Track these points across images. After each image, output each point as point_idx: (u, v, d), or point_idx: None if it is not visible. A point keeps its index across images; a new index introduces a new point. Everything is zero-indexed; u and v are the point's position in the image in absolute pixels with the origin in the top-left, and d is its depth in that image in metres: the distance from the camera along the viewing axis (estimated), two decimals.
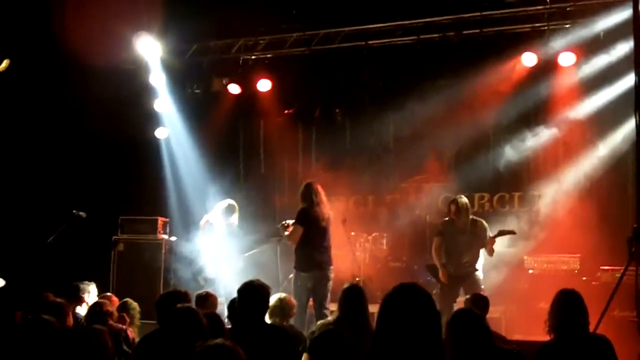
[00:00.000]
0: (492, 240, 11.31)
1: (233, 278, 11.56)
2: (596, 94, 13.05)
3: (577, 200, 12.95)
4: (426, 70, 14.23)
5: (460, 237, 11.51)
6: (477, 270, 11.43)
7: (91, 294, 9.92)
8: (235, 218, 12.72)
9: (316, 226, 11.34)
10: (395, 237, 14.42)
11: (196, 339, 4.99)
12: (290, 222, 11.61)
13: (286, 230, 11.66)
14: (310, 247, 11.30)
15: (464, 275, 11.36)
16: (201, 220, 12.93)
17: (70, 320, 7.59)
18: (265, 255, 13.25)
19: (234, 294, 7.12)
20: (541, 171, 13.81)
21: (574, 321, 6.60)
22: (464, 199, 11.75)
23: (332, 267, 11.42)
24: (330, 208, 11.82)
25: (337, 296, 8.10)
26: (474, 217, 11.67)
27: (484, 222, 11.60)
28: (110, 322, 8.43)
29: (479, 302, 8.35)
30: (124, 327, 8.69)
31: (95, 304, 8.76)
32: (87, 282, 10.01)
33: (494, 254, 11.44)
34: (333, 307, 8.25)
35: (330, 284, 11.31)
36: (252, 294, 6.77)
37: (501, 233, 11.48)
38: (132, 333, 8.69)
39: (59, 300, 7.82)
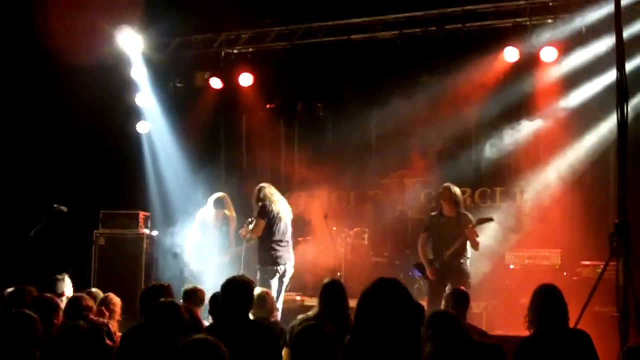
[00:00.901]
0: (472, 229, 11.25)
1: (219, 273, 11.68)
2: (578, 89, 13.07)
3: (559, 196, 12.97)
4: (409, 65, 14.20)
5: (446, 229, 11.44)
6: (463, 263, 11.36)
7: (68, 286, 9.82)
8: (228, 211, 12.92)
9: (277, 221, 11.81)
10: (377, 233, 14.41)
11: (178, 334, 4.99)
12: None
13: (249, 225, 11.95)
14: (273, 242, 11.75)
15: (451, 269, 11.25)
16: (197, 214, 13.01)
17: (61, 316, 7.54)
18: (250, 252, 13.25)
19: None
20: (523, 166, 13.82)
21: (553, 316, 6.61)
22: (457, 189, 11.75)
23: (293, 263, 11.92)
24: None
25: (318, 291, 8.12)
26: (461, 211, 11.65)
27: (469, 215, 11.58)
28: (91, 316, 8.36)
29: (459, 297, 8.34)
30: (105, 321, 8.64)
31: (74, 298, 8.63)
32: (60, 274, 9.84)
33: (479, 247, 11.43)
34: (313, 302, 8.22)
35: (289, 278, 11.90)
36: (235, 289, 6.71)
37: (480, 221, 11.42)
38: (114, 327, 8.64)
39: (48, 295, 7.74)
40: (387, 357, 4.08)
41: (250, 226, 11.92)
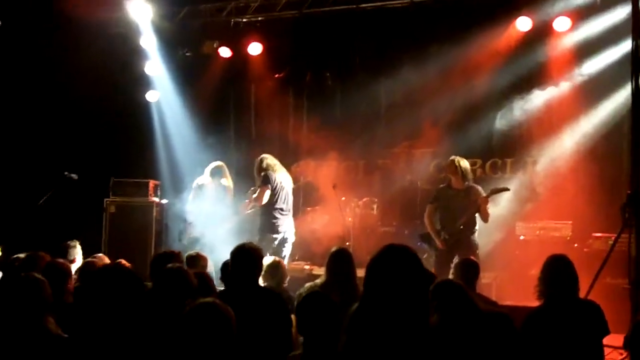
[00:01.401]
0: (486, 199, 11.18)
1: (220, 241, 11.83)
2: (592, 59, 12.96)
3: (571, 167, 12.87)
4: (419, 35, 14.12)
5: (455, 201, 11.37)
6: (472, 234, 11.31)
7: (79, 253, 9.81)
8: (226, 180, 12.91)
9: (279, 191, 12.10)
10: (385, 203, 14.38)
11: (185, 298, 4.98)
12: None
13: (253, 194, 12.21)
14: (275, 210, 12.03)
15: (459, 241, 11.18)
16: (193, 183, 12.99)
17: (72, 282, 7.53)
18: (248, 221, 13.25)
19: (220, 257, 7.12)
20: (534, 137, 13.70)
21: (564, 286, 6.59)
22: (465, 162, 11.68)
23: (294, 231, 12.27)
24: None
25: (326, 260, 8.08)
26: (470, 183, 11.58)
27: (479, 187, 11.50)
28: None
29: (468, 267, 8.27)
30: None
31: (87, 263, 8.63)
32: (72, 241, 9.83)
33: (489, 219, 11.36)
34: (322, 271, 8.19)
35: (291, 246, 12.22)
36: (244, 256, 6.74)
37: (494, 191, 11.38)
38: None
39: (61, 261, 7.71)
40: (395, 324, 4.03)
41: (254, 195, 12.13)
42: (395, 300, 4.04)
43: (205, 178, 12.90)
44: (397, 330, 4.02)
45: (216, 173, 12.85)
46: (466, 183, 11.46)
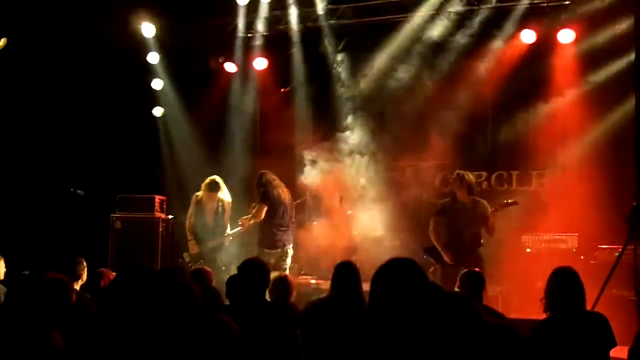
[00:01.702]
0: (495, 213, 11.22)
1: (224, 256, 12.26)
2: (596, 70, 12.98)
3: (576, 179, 12.85)
4: (424, 47, 14.14)
5: (461, 215, 11.35)
6: (478, 247, 11.31)
7: (85, 270, 9.80)
8: (224, 194, 12.85)
9: (277, 206, 12.46)
10: (392, 216, 14.34)
11: (191, 314, 4.97)
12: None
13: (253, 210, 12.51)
14: (273, 225, 12.42)
15: (466, 255, 11.10)
16: (191, 198, 13.00)
17: (74, 297, 7.52)
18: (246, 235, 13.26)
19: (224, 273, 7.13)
20: (540, 149, 13.70)
21: (570, 298, 6.56)
22: (471, 175, 11.68)
23: (292, 246, 12.63)
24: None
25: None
26: (476, 198, 11.56)
27: (485, 202, 11.50)
28: None
29: (474, 279, 8.26)
30: None
31: (97, 273, 8.62)
32: (79, 258, 9.84)
33: (494, 233, 11.35)
34: (328, 285, 8.14)
35: (290, 261, 12.56)
36: (252, 270, 6.77)
37: (503, 205, 11.39)
38: None
39: (60, 277, 7.72)
40: (402, 335, 4.04)
41: (254, 210, 12.42)
42: (401, 312, 4.05)
43: (203, 193, 12.83)
44: (403, 342, 4.03)
45: (213, 187, 12.76)
46: (472, 197, 11.47)
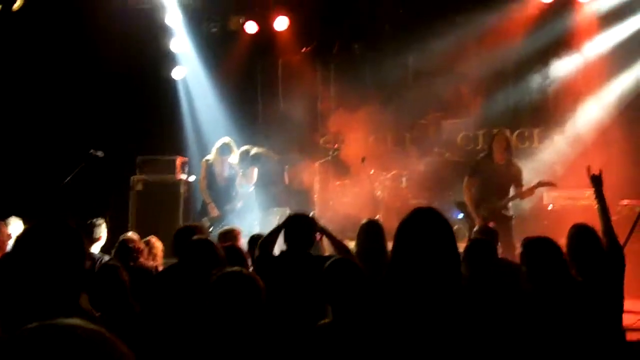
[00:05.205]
0: (531, 191, 10.99)
1: (234, 219, 12.01)
2: (615, 28, 12.93)
3: (597, 135, 12.83)
4: (446, 5, 14.11)
5: (495, 176, 11.07)
6: (511, 218, 11.12)
7: (104, 231, 9.72)
8: (234, 157, 12.74)
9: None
10: (414, 175, 14.33)
11: (213, 269, 4.98)
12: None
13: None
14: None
15: (496, 216, 10.89)
16: (202, 162, 13.00)
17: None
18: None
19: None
20: (561, 106, 13.68)
21: (587, 257, 6.51)
22: (509, 134, 11.56)
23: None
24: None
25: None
26: (511, 158, 11.26)
27: (519, 166, 11.28)
28: (141, 260, 8.32)
29: (487, 233, 8.32)
30: (155, 264, 8.61)
31: (126, 240, 8.49)
32: (98, 219, 9.67)
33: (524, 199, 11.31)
34: (352, 245, 8.15)
35: None
36: (297, 225, 6.96)
37: (540, 184, 11.10)
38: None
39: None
40: (428, 280, 4.07)
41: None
42: (424, 261, 4.09)
43: (213, 156, 12.80)
44: (430, 287, 4.07)
45: (224, 150, 12.71)
46: (509, 157, 11.18)
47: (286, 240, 6.89)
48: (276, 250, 7.19)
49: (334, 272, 5.17)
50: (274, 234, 7.09)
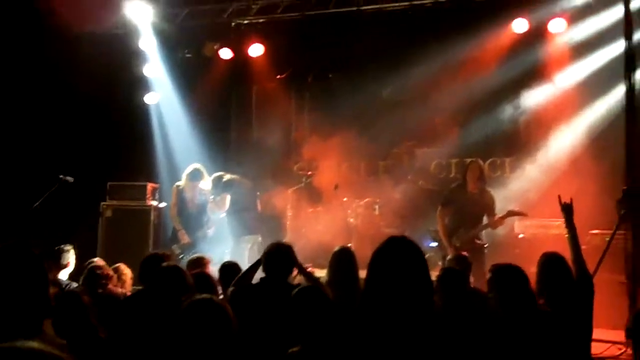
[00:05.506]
0: (501, 221, 11.06)
1: (204, 246, 11.88)
2: (587, 59, 13.09)
3: (569, 164, 12.92)
4: (418, 36, 14.17)
5: (468, 206, 11.17)
6: (484, 247, 11.20)
7: (72, 257, 9.64)
8: (205, 183, 12.54)
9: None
10: (387, 203, 14.37)
11: (182, 295, 4.97)
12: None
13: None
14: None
15: (468, 246, 10.84)
16: (172, 188, 12.79)
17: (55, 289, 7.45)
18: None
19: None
20: (533, 136, 13.78)
21: (557, 284, 6.57)
22: (482, 164, 11.65)
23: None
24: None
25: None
26: (484, 187, 11.34)
27: (492, 193, 11.36)
28: (110, 286, 8.26)
29: (460, 262, 8.35)
30: (124, 291, 8.56)
31: (94, 266, 8.41)
32: (66, 245, 9.63)
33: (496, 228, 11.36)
34: (324, 273, 8.14)
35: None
36: (278, 254, 6.96)
37: (510, 214, 11.17)
38: None
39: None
40: (401, 311, 4.09)
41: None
42: (400, 287, 4.12)
43: (184, 182, 12.53)
44: (403, 316, 4.09)
45: (195, 176, 12.45)
46: (482, 187, 11.27)
47: (265, 268, 6.88)
48: (256, 277, 7.20)
49: (301, 299, 5.18)
50: (250, 273, 7.10)
